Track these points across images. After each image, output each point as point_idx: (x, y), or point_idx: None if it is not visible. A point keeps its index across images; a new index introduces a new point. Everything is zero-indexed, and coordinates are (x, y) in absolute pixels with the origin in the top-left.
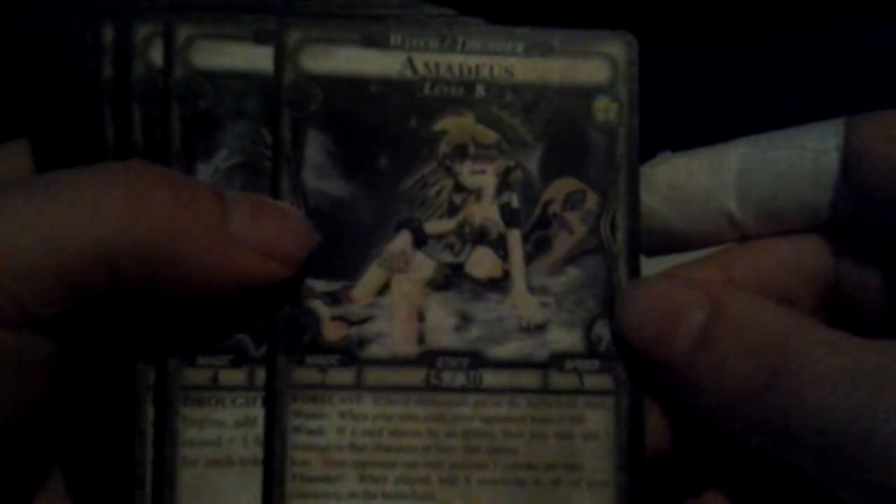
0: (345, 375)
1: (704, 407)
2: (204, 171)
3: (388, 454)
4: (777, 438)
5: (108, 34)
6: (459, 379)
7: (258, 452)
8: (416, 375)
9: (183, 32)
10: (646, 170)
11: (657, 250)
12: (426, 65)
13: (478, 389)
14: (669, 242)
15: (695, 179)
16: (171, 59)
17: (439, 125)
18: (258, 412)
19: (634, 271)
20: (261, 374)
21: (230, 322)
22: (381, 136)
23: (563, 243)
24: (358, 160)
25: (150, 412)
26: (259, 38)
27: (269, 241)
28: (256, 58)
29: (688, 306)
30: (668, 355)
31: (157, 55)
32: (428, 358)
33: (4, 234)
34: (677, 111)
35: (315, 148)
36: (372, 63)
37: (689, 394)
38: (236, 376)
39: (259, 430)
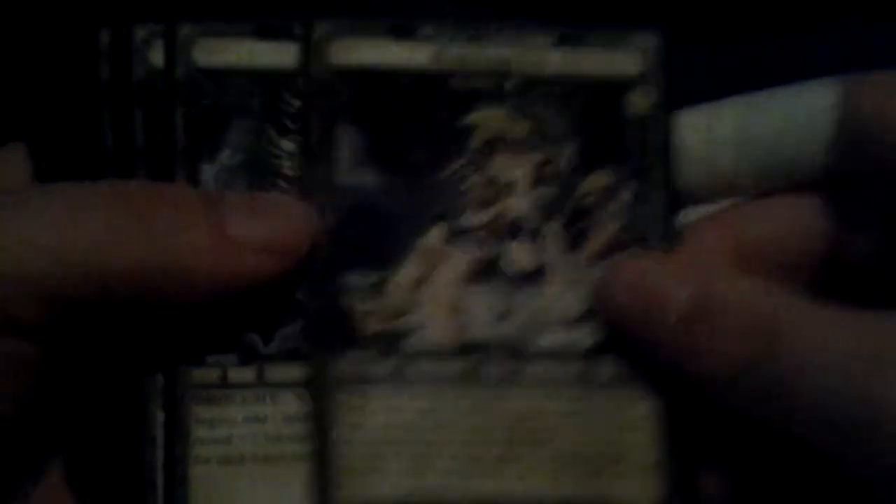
0: (384, 368)
1: (696, 386)
2: (209, 170)
3: (429, 447)
4: (782, 416)
5: (105, 37)
6: (499, 370)
7: (269, 449)
8: (456, 367)
9: (184, 31)
10: None
11: None
12: (456, 57)
13: (518, 381)
14: None
15: (690, 137)
16: (173, 58)
17: (471, 118)
18: (268, 409)
19: None
20: (270, 371)
21: (239, 320)
22: (412, 129)
23: (598, 236)
24: (390, 154)
25: (160, 415)
26: (261, 34)
27: (267, 237)
28: (259, 54)
29: (672, 286)
30: (655, 338)
31: (157, 56)
32: (467, 350)
33: None
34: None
35: (346, 142)
36: (401, 56)
37: (679, 374)
38: (245, 374)
39: (269, 426)
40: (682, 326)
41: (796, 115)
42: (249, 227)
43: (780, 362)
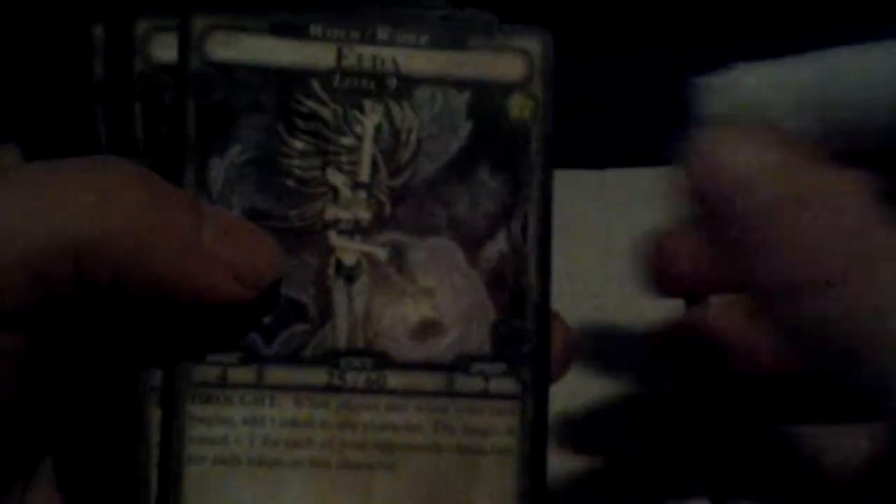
0: (246, 374)
1: (767, 283)
2: (218, 166)
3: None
4: (868, 338)
5: (99, 32)
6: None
7: (266, 452)
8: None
9: (198, 24)
10: (714, 80)
11: None
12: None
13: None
14: None
15: (762, 93)
16: (187, 51)
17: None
18: (266, 412)
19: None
20: (270, 373)
21: (241, 320)
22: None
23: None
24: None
25: (156, 413)
26: (276, 31)
27: (239, 261)
28: (273, 50)
29: (775, 171)
30: (745, 211)
31: (159, 50)
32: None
33: None
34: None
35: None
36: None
37: (763, 275)
38: (245, 374)
39: (268, 429)
40: (783, 215)
41: (877, 76)
42: (225, 245)
43: (878, 271)
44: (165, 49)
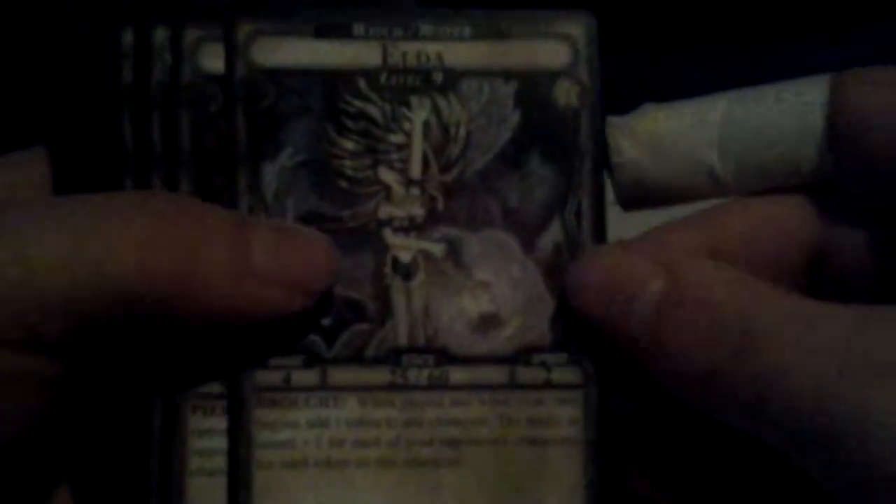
0: (309, 377)
1: (669, 385)
2: (270, 170)
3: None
4: (750, 420)
5: (128, 38)
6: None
7: (332, 454)
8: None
9: (243, 31)
10: (629, 120)
11: (635, 204)
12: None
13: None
14: (648, 195)
15: (676, 130)
16: (233, 58)
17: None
18: (331, 413)
19: None
20: (333, 374)
21: (302, 324)
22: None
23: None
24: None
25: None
26: (319, 33)
27: (292, 273)
28: (318, 53)
29: (642, 278)
30: (625, 332)
31: (207, 60)
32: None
33: (19, 254)
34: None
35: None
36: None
37: (652, 371)
38: (309, 377)
39: (333, 430)
40: (654, 320)
41: (783, 110)
42: (276, 259)
43: (754, 361)
44: (213, 58)
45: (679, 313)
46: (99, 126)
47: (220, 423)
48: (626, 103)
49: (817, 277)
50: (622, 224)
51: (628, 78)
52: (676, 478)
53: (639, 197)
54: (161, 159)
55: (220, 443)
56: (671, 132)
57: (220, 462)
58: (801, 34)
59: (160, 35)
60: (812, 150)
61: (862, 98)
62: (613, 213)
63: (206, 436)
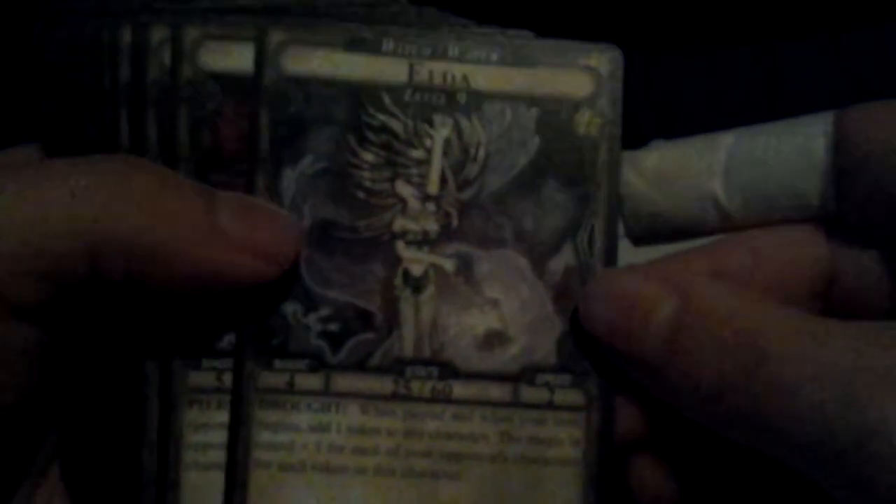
0: (313, 381)
1: (680, 404)
2: (290, 176)
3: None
4: (760, 436)
5: (126, 36)
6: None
7: (330, 459)
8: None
9: (274, 38)
10: (637, 155)
11: (644, 238)
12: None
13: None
14: (657, 229)
15: (683, 165)
16: (262, 64)
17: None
18: (332, 419)
19: None
20: (337, 380)
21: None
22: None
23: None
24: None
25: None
26: (349, 46)
27: (257, 239)
28: (346, 65)
29: (656, 299)
30: (638, 352)
31: (208, 58)
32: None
33: None
34: (676, 117)
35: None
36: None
37: (663, 391)
38: (313, 381)
39: (333, 436)
40: (667, 340)
41: (788, 144)
42: (242, 224)
43: (765, 378)
44: (214, 57)
45: (692, 333)
46: (95, 123)
47: (216, 417)
48: (625, 103)
49: (828, 304)
50: (632, 259)
51: (628, 78)
52: (683, 491)
53: (647, 230)
54: (157, 157)
55: (216, 437)
56: (678, 166)
57: (216, 456)
58: (801, 34)
59: (158, 33)
60: (816, 184)
61: (864, 133)
62: (623, 248)
63: (202, 430)
